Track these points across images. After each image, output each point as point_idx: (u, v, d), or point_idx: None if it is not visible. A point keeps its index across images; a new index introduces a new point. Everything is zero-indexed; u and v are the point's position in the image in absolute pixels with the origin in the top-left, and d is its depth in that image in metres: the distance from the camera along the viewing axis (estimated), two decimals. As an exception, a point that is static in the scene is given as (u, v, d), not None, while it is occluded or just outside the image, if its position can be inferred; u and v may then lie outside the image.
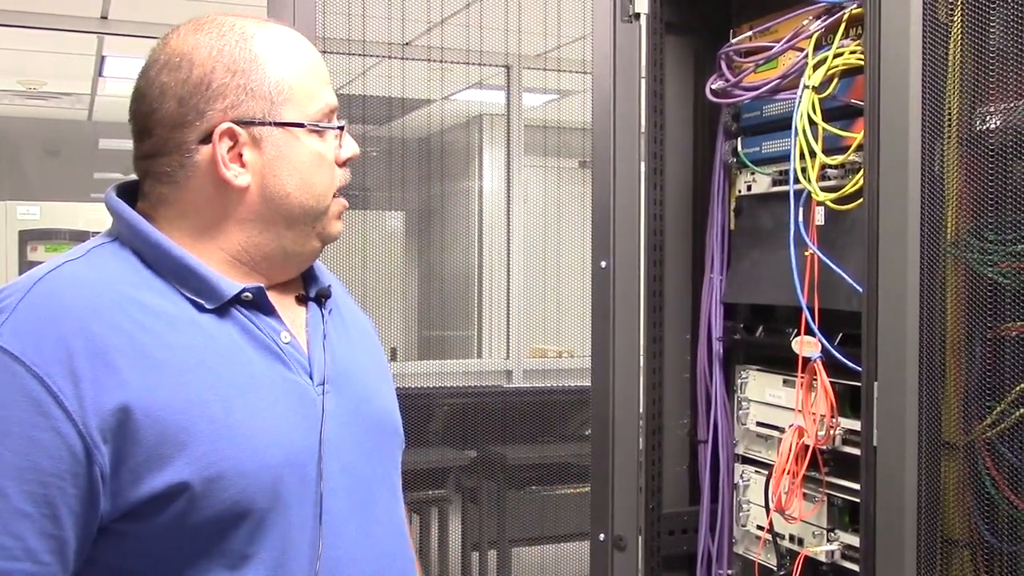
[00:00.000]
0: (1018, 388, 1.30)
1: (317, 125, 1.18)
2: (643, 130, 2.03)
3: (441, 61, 3.14)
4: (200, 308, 1.12)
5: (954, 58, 1.34)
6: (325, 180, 1.20)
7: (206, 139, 1.13)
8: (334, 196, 1.22)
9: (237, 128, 1.13)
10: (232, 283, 1.14)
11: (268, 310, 1.17)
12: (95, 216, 5.61)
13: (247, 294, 1.15)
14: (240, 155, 1.14)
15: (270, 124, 1.14)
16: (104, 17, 4.67)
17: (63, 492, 1.00)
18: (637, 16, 2.01)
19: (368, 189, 3.68)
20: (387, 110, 3.33)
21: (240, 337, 1.13)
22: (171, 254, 1.13)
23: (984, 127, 1.32)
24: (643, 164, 2.04)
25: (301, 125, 1.16)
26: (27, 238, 5.59)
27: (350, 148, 1.23)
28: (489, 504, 3.52)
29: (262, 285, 1.17)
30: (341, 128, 1.22)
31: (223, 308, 1.13)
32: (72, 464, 1.00)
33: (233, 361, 1.11)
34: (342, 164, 1.23)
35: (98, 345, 1.03)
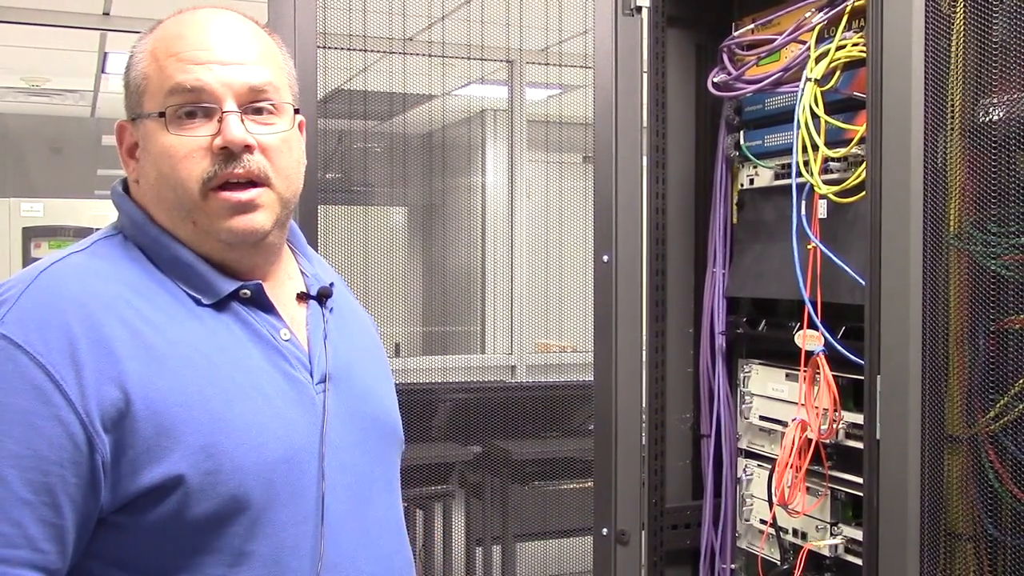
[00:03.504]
0: (1021, 381, 1.29)
1: (151, 114, 1.13)
2: (645, 124, 2.03)
3: (443, 56, 3.14)
4: (199, 303, 1.12)
5: (957, 50, 1.34)
6: (182, 172, 1.11)
7: None
8: (212, 191, 1.12)
9: (128, 125, 1.18)
10: (228, 280, 1.14)
11: (267, 307, 1.17)
12: (99, 212, 5.62)
13: (245, 291, 1.14)
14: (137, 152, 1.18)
15: (136, 118, 1.16)
16: (106, 13, 4.66)
17: (64, 480, 1.01)
18: (639, 9, 2.01)
19: (371, 185, 3.68)
20: (389, 106, 3.33)
21: (240, 333, 1.13)
22: (169, 250, 1.14)
23: (987, 119, 1.32)
24: (645, 158, 2.03)
25: (141, 116, 1.15)
26: (31, 235, 5.60)
27: (227, 134, 1.11)
28: (493, 499, 3.51)
29: (260, 283, 1.16)
30: (161, 113, 1.11)
31: (223, 304, 1.13)
32: (74, 452, 1.01)
33: (233, 356, 1.11)
34: (220, 151, 1.11)
35: (101, 334, 1.04)
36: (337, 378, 1.19)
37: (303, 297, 1.24)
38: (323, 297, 1.24)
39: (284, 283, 1.23)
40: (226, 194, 1.12)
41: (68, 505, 1.01)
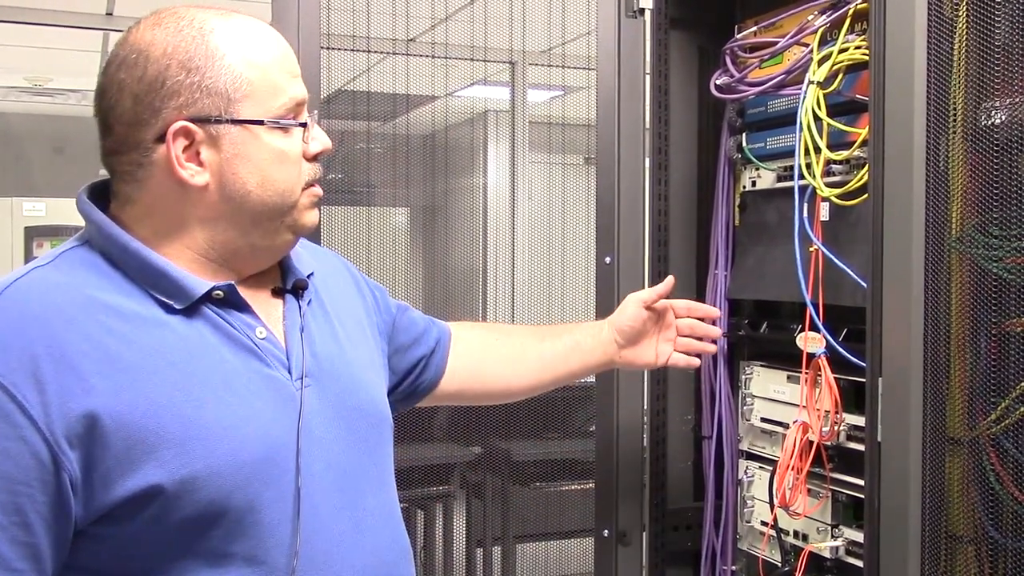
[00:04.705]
0: (1023, 384, 1.29)
1: (277, 122, 1.15)
2: (647, 126, 2.03)
3: (446, 57, 3.14)
4: (170, 309, 1.11)
5: (959, 53, 1.34)
6: (290, 177, 1.16)
7: (162, 138, 1.11)
8: (304, 189, 1.19)
9: (193, 126, 1.11)
10: (201, 281, 1.13)
11: (241, 306, 1.16)
12: (100, 212, 5.62)
13: (218, 292, 1.13)
14: (198, 153, 1.12)
15: (227, 122, 1.12)
16: (109, 13, 4.67)
17: (32, 500, 1.00)
18: (642, 11, 2.01)
19: (373, 186, 3.68)
20: (391, 107, 3.33)
21: (212, 336, 1.12)
22: (139, 256, 1.12)
23: (989, 122, 1.32)
24: (647, 160, 2.04)
25: (260, 122, 1.13)
26: (33, 234, 5.60)
27: (320, 143, 1.20)
28: (494, 500, 3.51)
29: (233, 282, 1.15)
30: (304, 124, 1.18)
31: (194, 307, 1.12)
32: (40, 472, 1.00)
33: (205, 360, 1.10)
34: (312, 158, 1.20)
35: (64, 351, 1.03)
36: (318, 372, 1.19)
37: (278, 291, 1.23)
38: (298, 290, 1.24)
39: (260, 279, 1.22)
40: (316, 190, 1.21)
41: (40, 523, 1.01)
